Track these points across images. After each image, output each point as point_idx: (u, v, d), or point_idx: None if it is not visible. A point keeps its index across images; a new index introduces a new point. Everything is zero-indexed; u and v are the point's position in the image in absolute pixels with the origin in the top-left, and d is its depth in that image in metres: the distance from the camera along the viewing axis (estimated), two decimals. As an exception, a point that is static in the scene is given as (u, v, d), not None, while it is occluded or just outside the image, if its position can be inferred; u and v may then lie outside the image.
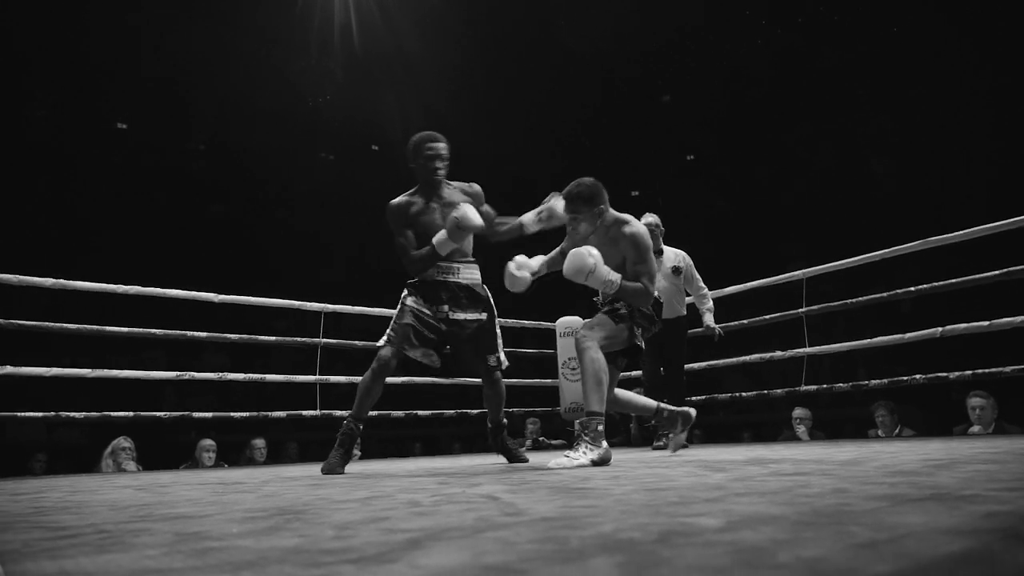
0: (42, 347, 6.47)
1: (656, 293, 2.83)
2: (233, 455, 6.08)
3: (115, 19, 9.18)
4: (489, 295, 2.92)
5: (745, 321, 4.93)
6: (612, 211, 2.73)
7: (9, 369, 3.52)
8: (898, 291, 4.15)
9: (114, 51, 9.71)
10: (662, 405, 2.97)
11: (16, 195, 10.18)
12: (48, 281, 3.72)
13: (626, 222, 2.67)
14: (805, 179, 12.42)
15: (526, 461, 2.93)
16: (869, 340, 4.25)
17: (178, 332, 4.25)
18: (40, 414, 3.71)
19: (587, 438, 2.42)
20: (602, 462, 2.38)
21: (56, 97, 10.55)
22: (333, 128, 12.76)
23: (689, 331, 4.61)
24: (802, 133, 12.16)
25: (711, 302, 4.58)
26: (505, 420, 2.99)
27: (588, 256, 2.50)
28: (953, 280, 3.86)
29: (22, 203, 10.12)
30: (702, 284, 4.53)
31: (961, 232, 3.83)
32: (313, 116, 12.32)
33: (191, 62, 9.84)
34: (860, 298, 4.31)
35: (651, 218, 4.51)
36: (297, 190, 12.64)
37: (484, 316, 2.86)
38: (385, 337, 2.73)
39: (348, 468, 2.81)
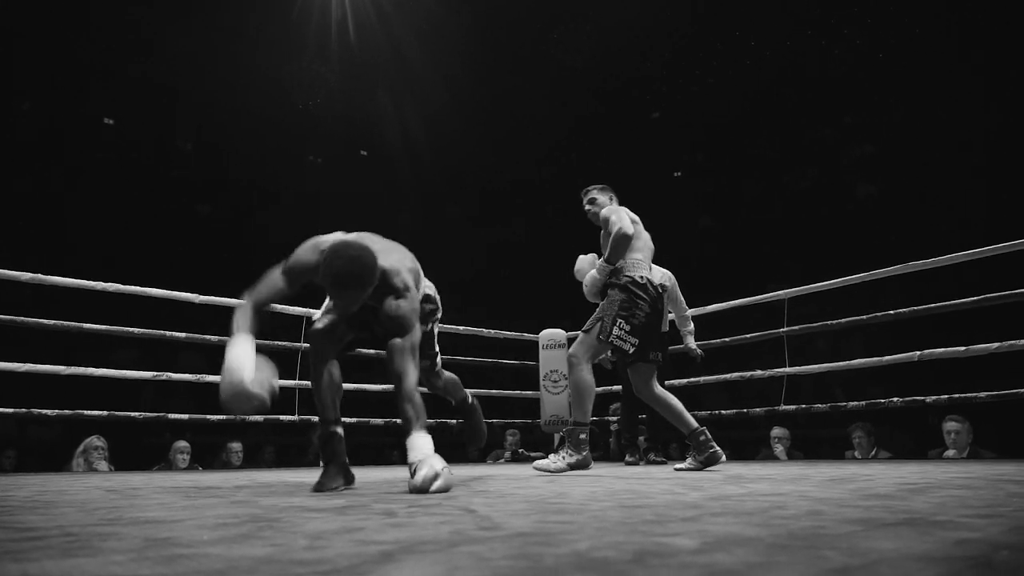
0: (17, 342, 6.36)
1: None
2: (208, 458, 6.00)
3: (108, 15, 9.12)
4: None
5: (727, 339, 4.96)
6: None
7: (-18, 365, 3.46)
8: (878, 314, 4.20)
9: (105, 47, 9.65)
10: (703, 430, 3.03)
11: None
12: (25, 275, 3.66)
13: (597, 212, 3.21)
14: (789, 199, 12.57)
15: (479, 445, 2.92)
16: (848, 362, 4.30)
17: (157, 331, 4.20)
18: (11, 410, 3.64)
19: (570, 444, 2.76)
20: (580, 466, 2.72)
21: (42, 91, 10.44)
22: (322, 131, 12.75)
23: (669, 347, 4.63)
24: (788, 153, 12.32)
25: (692, 324, 4.61)
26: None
27: (577, 274, 3.01)
28: (932, 304, 3.91)
29: (3, 197, 9.97)
30: (685, 305, 4.56)
31: (944, 257, 3.88)
32: (303, 119, 12.30)
33: (181, 61, 9.79)
34: (841, 320, 4.35)
35: None
36: (284, 192, 12.61)
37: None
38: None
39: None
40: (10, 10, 8.88)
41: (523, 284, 11.16)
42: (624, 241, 2.95)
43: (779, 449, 5.17)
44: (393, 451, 7.69)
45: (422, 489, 1.70)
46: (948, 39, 9.60)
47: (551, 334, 5.40)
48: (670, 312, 4.61)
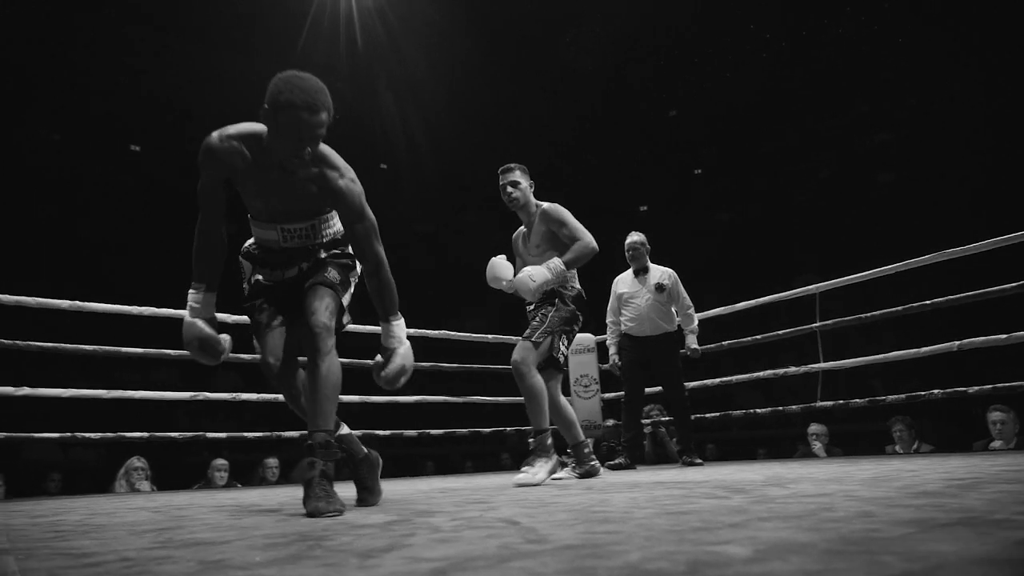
0: (58, 368, 6.52)
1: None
2: (246, 474, 6.08)
3: (130, 43, 9.33)
4: None
5: (758, 336, 4.90)
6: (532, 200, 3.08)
7: (27, 390, 3.54)
8: (913, 305, 4.12)
9: (128, 75, 9.88)
10: (588, 442, 3.15)
11: (31, 218, 10.31)
12: (65, 303, 3.75)
13: (540, 204, 3.05)
14: (813, 190, 12.40)
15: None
16: (884, 355, 4.22)
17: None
18: (57, 435, 3.73)
19: (541, 453, 2.76)
20: (554, 472, 2.76)
21: (70, 121, 10.70)
22: (342, 147, 12.91)
23: (694, 348, 4.60)
24: (808, 144, 12.17)
25: (696, 323, 4.58)
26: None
27: (530, 281, 2.78)
28: (969, 293, 3.83)
29: (37, 226, 10.23)
30: (689, 303, 4.53)
31: (976, 244, 3.80)
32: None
33: (201, 85, 9.99)
34: (874, 312, 4.28)
35: (636, 236, 4.54)
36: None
37: None
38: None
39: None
40: (35, 48, 9.13)
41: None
42: (591, 257, 2.91)
43: (817, 446, 5.09)
44: (427, 461, 7.72)
45: (390, 383, 1.92)
46: (964, 22, 9.43)
47: (580, 339, 5.38)
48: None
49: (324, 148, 1.84)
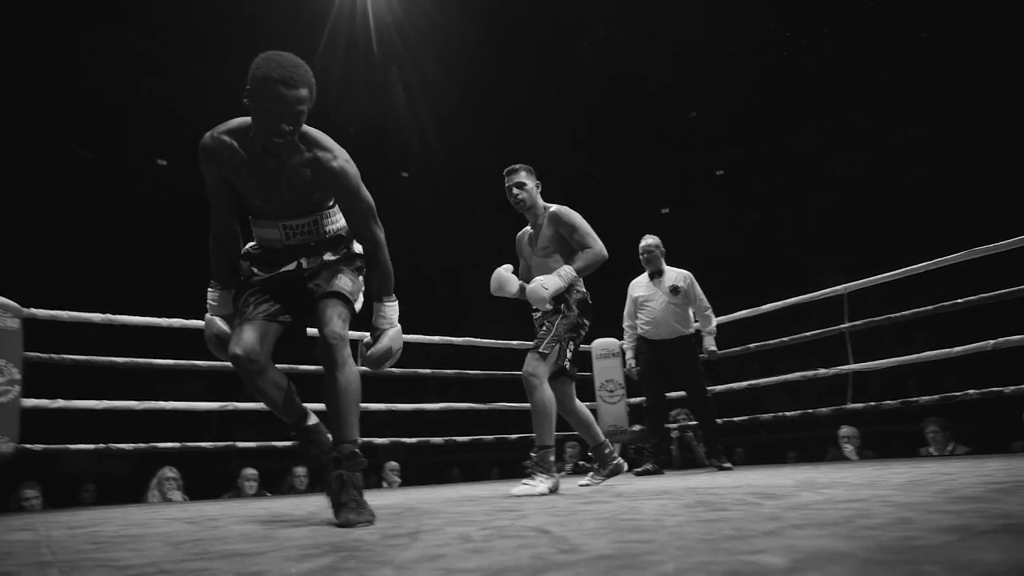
0: (91, 381, 6.64)
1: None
2: (275, 483, 6.14)
3: (157, 60, 9.52)
4: None
5: (785, 339, 4.84)
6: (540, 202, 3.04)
7: (62, 403, 3.62)
8: (945, 303, 4.04)
9: (155, 89, 10.08)
10: (608, 442, 3.12)
11: (64, 235, 10.54)
12: (97, 316, 3.83)
13: (548, 207, 2.99)
14: (840, 188, 12.24)
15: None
16: (917, 355, 4.15)
17: (222, 363, 4.32)
18: (92, 446, 3.80)
19: (541, 469, 2.72)
20: (555, 490, 2.70)
21: (100, 137, 10.94)
22: (364, 156, 13.02)
23: (720, 351, 4.57)
24: (834, 141, 12.01)
25: (714, 324, 4.54)
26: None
27: (543, 289, 2.74)
28: (1004, 290, 3.75)
29: (69, 241, 10.46)
30: (706, 305, 4.49)
31: (1011, 240, 3.72)
32: (344, 146, 12.59)
33: (223, 97, 10.16)
34: (905, 312, 4.21)
35: (651, 239, 4.51)
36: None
37: None
38: None
39: (390, 498, 2.81)
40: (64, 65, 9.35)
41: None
42: (600, 264, 2.88)
43: (849, 449, 5.01)
44: (453, 468, 7.74)
45: (375, 364, 1.92)
46: (994, 15, 9.25)
47: (605, 344, 5.37)
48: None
49: (315, 132, 1.84)
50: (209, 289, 1.98)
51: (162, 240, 11.02)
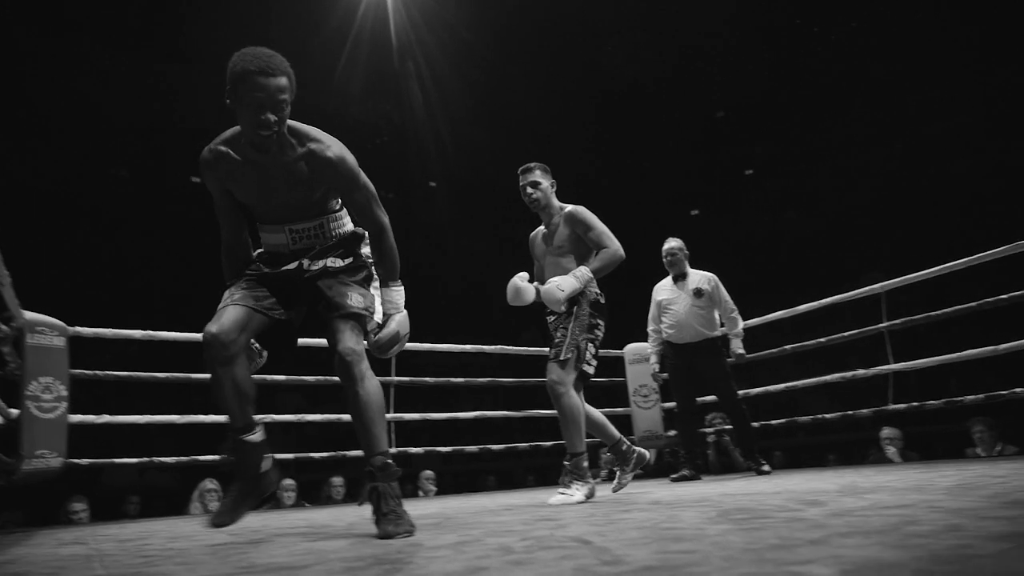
0: (134, 395, 6.81)
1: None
2: (312, 493, 6.21)
3: (189, 79, 9.76)
4: None
5: (823, 339, 4.75)
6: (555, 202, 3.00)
7: (107, 418, 3.71)
8: (988, 300, 3.93)
9: (186, 112, 10.33)
10: (624, 438, 3.06)
11: (99, 252, 10.82)
12: (138, 333, 3.93)
13: (564, 207, 2.96)
14: (874, 184, 11.99)
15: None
16: (959, 354, 4.04)
17: (258, 376, 4.40)
18: (135, 460, 3.89)
19: (576, 476, 2.70)
20: (591, 496, 2.70)
21: (135, 158, 11.23)
22: (392, 167, 13.17)
23: (749, 355, 4.51)
24: (868, 136, 11.78)
25: (741, 327, 4.47)
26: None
27: (558, 291, 2.71)
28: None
29: (110, 258, 10.73)
30: (732, 307, 4.42)
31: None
32: (372, 158, 12.75)
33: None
34: (946, 309, 4.11)
35: (674, 242, 4.47)
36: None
37: None
38: None
39: (427, 507, 2.82)
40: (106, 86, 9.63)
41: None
42: (617, 265, 2.83)
43: (892, 451, 4.90)
44: (489, 476, 7.74)
45: (382, 349, 1.87)
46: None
47: (638, 348, 5.33)
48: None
49: (306, 127, 1.83)
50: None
51: (196, 256, 11.26)
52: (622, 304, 4.83)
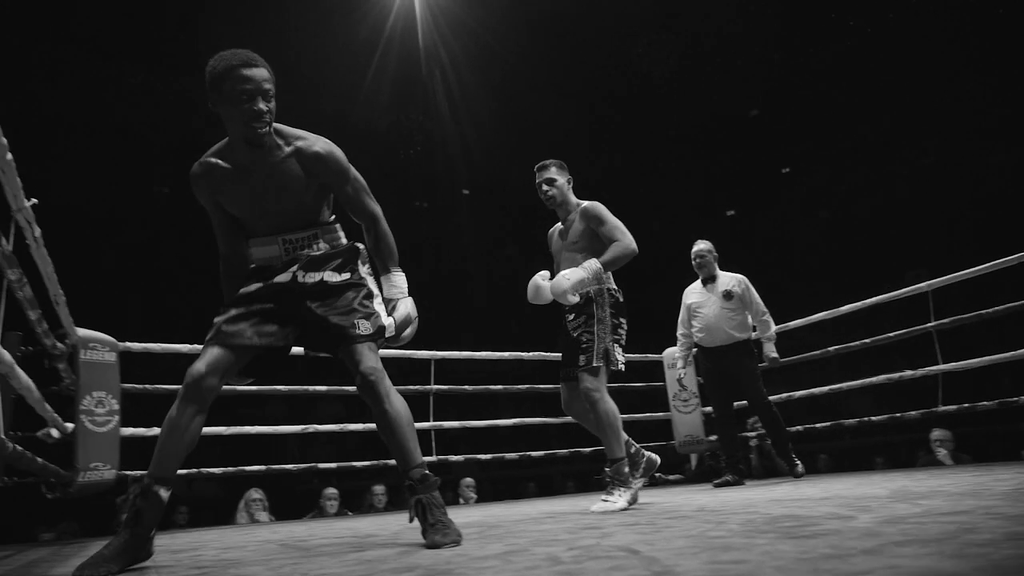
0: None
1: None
2: (355, 502, 6.28)
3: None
4: None
5: (867, 340, 4.65)
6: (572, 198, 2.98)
7: (156, 430, 3.82)
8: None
9: (222, 130, 10.59)
10: (632, 442, 2.96)
11: (148, 268, 11.12)
12: (185, 347, 4.03)
13: (581, 203, 2.94)
14: (916, 179, 11.68)
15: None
16: (1012, 353, 3.91)
17: (300, 387, 4.48)
18: (184, 471, 3.99)
19: (618, 482, 2.67)
20: (634, 501, 2.68)
21: (177, 174, 11.53)
22: (424, 176, 13.28)
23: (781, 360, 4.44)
24: (908, 129, 11.48)
25: (774, 330, 4.38)
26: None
27: (564, 280, 2.67)
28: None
29: (157, 273, 11.03)
30: (764, 309, 4.34)
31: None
32: (406, 167, 12.87)
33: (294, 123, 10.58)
34: (996, 308, 3.98)
35: (703, 244, 4.41)
36: (397, 239, 13.19)
37: None
38: None
39: (469, 515, 2.84)
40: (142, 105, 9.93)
41: (634, 305, 11.07)
42: (630, 259, 2.78)
43: (943, 453, 4.77)
44: (529, 483, 7.74)
45: (397, 332, 1.85)
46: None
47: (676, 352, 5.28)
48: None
49: (291, 128, 1.86)
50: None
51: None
52: (662, 308, 4.79)
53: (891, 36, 10.58)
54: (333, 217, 1.95)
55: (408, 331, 1.90)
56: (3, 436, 2.44)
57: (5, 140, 1.62)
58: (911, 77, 10.82)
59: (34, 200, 2.00)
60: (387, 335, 1.88)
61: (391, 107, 11.56)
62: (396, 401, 1.79)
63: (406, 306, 1.92)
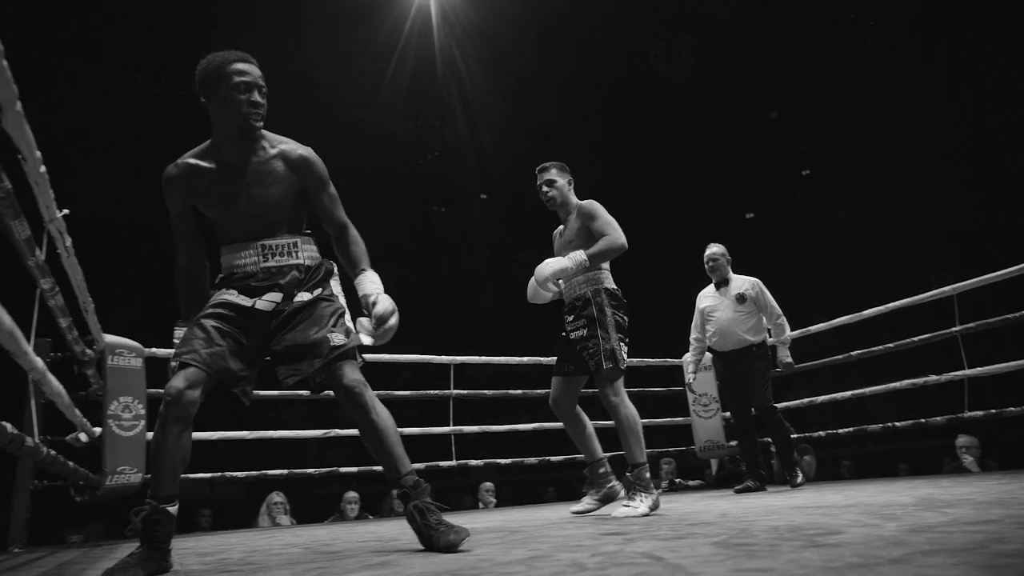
0: (208, 414, 7.05)
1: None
2: (375, 505, 6.32)
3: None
4: None
5: (891, 345, 4.60)
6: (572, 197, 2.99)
7: (181, 435, 3.87)
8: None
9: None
10: (605, 460, 2.96)
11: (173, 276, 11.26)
12: (209, 353, 4.09)
13: (581, 204, 2.92)
14: (939, 179, 11.52)
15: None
16: (1040, 357, 3.85)
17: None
18: (208, 475, 4.04)
19: (640, 488, 2.65)
20: (655, 507, 2.64)
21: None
22: (443, 182, 13.35)
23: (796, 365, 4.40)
24: (928, 129, 11.34)
25: (788, 334, 4.35)
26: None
27: (546, 267, 2.68)
28: None
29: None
30: (778, 312, 4.30)
31: None
32: (424, 172, 12.95)
33: (304, 138, 10.71)
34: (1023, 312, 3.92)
35: (716, 248, 4.39)
36: (407, 243, 13.24)
37: None
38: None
39: (490, 519, 2.84)
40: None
41: (655, 309, 11.01)
42: (618, 253, 2.76)
43: (969, 460, 4.70)
44: (548, 488, 7.73)
45: (381, 324, 1.77)
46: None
47: (695, 357, 5.26)
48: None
49: (274, 134, 1.90)
50: (176, 328, 1.94)
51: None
52: (682, 312, 4.77)
53: (912, 36, 10.47)
54: (309, 232, 1.95)
55: (390, 322, 1.83)
56: (37, 440, 2.50)
57: (39, 153, 1.67)
58: (933, 77, 10.70)
59: (66, 211, 2.05)
60: (369, 329, 1.83)
61: (408, 113, 11.63)
62: (382, 411, 1.81)
63: (386, 299, 1.84)
